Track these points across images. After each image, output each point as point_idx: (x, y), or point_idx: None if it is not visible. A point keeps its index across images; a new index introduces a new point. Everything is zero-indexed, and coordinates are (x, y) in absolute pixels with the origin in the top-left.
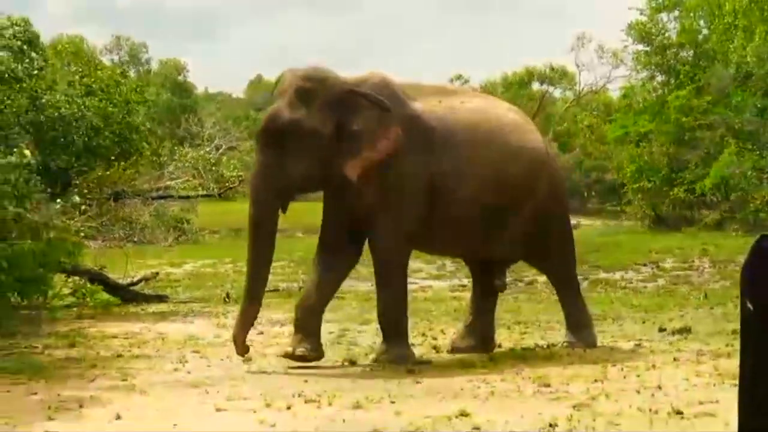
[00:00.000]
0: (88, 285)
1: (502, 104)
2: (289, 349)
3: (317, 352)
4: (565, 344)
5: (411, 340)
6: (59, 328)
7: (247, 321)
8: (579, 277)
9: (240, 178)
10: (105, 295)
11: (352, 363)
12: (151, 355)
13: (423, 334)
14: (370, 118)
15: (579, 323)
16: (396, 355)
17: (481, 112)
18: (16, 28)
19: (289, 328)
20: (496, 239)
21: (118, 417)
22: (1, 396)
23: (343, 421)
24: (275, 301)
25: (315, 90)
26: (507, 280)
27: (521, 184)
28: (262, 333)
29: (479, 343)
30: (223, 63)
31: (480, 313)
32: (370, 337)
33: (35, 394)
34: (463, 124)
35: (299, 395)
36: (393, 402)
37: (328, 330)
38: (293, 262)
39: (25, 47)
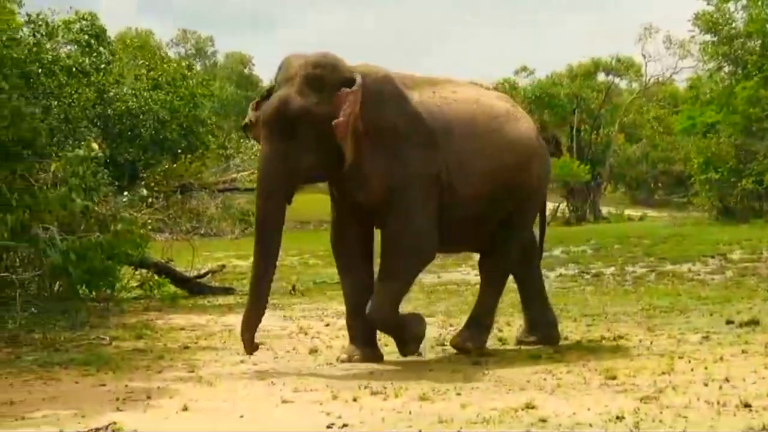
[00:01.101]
0: (156, 277)
1: (489, 92)
2: (345, 356)
3: (376, 357)
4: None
5: None
6: (127, 320)
7: (253, 319)
8: (645, 269)
9: None
10: (172, 288)
11: (418, 355)
12: (218, 347)
13: None
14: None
15: (481, 322)
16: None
17: (475, 102)
18: (84, 22)
19: None
20: (488, 229)
21: (185, 408)
22: (70, 387)
23: (410, 413)
24: (341, 293)
25: (325, 77)
26: (574, 272)
27: (514, 175)
28: (328, 325)
29: (544, 335)
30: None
31: (533, 305)
32: (435, 328)
33: (103, 385)
34: (461, 116)
35: (365, 387)
36: (459, 394)
37: None
38: None
39: (92, 41)
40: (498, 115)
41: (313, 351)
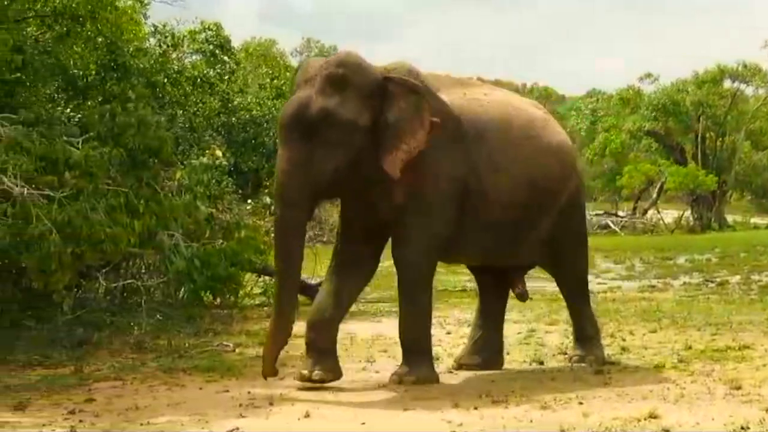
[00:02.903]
0: None
1: (522, 98)
2: (305, 372)
3: (335, 373)
4: (574, 359)
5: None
6: (250, 326)
7: (278, 338)
8: None
9: None
10: None
11: (540, 363)
12: (340, 354)
13: (612, 335)
14: (407, 108)
15: (587, 336)
16: (418, 376)
17: (509, 105)
18: (209, 32)
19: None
20: (524, 242)
21: (307, 415)
22: (194, 393)
23: (531, 421)
24: (464, 301)
25: (348, 77)
26: (698, 280)
27: (553, 183)
28: (449, 333)
29: (488, 359)
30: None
31: (488, 326)
32: (557, 337)
33: (227, 391)
34: (495, 119)
35: (486, 395)
36: (581, 403)
37: (515, 330)
38: None
39: (217, 51)
40: (534, 120)
41: (435, 358)
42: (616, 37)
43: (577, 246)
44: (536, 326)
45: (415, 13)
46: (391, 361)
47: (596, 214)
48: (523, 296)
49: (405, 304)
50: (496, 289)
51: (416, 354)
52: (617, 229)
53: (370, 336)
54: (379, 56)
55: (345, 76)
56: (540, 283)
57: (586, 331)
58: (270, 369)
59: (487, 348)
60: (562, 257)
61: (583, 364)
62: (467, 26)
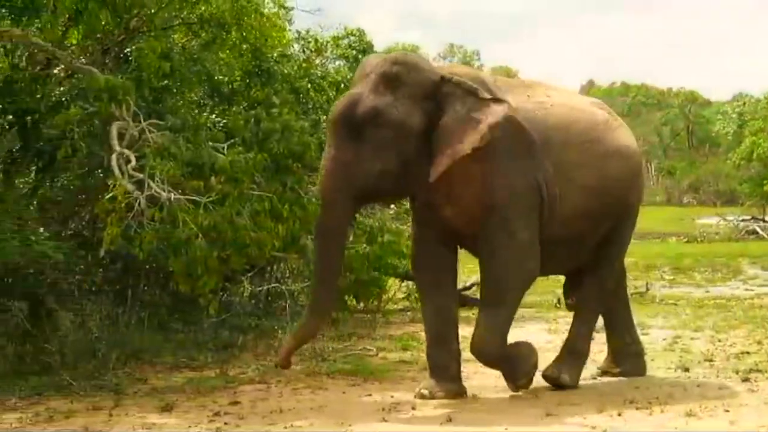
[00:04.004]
0: None
1: (584, 97)
2: (425, 392)
3: (459, 393)
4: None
5: (746, 348)
6: (393, 331)
7: (304, 334)
8: None
9: None
10: None
11: (685, 370)
12: None
13: (759, 342)
14: (461, 110)
15: (577, 352)
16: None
17: (573, 107)
18: (352, 38)
19: None
20: (585, 248)
21: (449, 419)
22: (337, 397)
23: (675, 428)
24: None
25: (403, 75)
26: None
27: (619, 188)
28: (593, 339)
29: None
30: (553, 67)
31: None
32: (703, 343)
33: (369, 395)
34: (559, 122)
35: (631, 402)
36: (727, 411)
37: (660, 337)
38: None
39: (360, 56)
40: (599, 122)
41: None
42: (764, 39)
43: (613, 257)
44: (681, 333)
45: (566, 16)
46: None
47: (743, 220)
48: (572, 307)
49: (487, 313)
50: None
51: (505, 362)
52: (765, 234)
53: (512, 341)
54: (522, 61)
55: (399, 75)
56: (685, 288)
57: (576, 350)
58: (284, 359)
59: (629, 355)
60: (597, 264)
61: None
62: (606, 29)
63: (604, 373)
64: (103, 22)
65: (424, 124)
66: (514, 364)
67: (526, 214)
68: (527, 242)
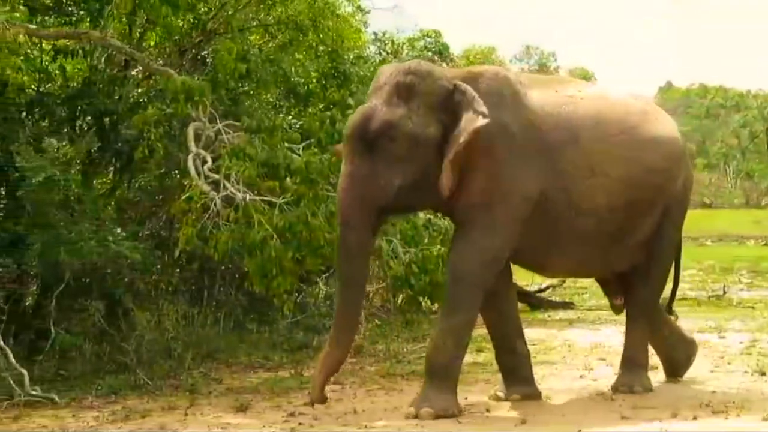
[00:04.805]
0: None
1: (621, 92)
2: (501, 394)
3: (533, 395)
4: (621, 389)
5: None
6: None
7: (331, 363)
8: None
9: None
10: None
11: (762, 374)
12: (557, 361)
13: None
14: (467, 118)
15: (638, 364)
16: (435, 408)
17: (604, 99)
18: (427, 39)
19: (698, 338)
20: (626, 247)
21: (524, 422)
22: (412, 398)
23: None
24: (684, 310)
25: (417, 85)
26: None
27: (657, 178)
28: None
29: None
30: (631, 69)
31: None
32: None
33: None
34: (589, 114)
35: (706, 405)
36: None
37: (737, 340)
38: (702, 271)
39: (436, 58)
40: (633, 112)
41: (653, 368)
42: None
43: (662, 255)
44: (759, 336)
45: (629, 18)
46: (609, 370)
47: None
48: (619, 308)
49: (445, 320)
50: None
51: (439, 381)
52: None
53: (589, 344)
54: (594, 60)
55: (413, 85)
56: (763, 291)
57: (637, 359)
58: (318, 395)
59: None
60: (645, 264)
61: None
62: (684, 31)
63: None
64: (180, 25)
65: (440, 134)
66: (444, 389)
67: (511, 223)
68: (499, 250)
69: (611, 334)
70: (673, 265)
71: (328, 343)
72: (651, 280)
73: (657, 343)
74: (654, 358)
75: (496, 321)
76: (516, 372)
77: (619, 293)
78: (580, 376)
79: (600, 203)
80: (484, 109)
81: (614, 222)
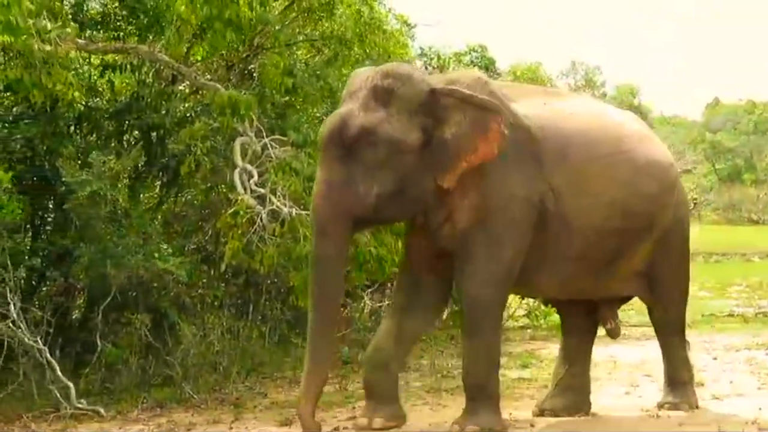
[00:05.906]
0: (542, 306)
1: (611, 107)
2: (363, 420)
3: (398, 419)
4: (666, 406)
5: None
6: (513, 348)
7: (313, 388)
8: None
9: (694, 201)
10: (557, 317)
11: None
12: (602, 377)
13: None
14: (464, 121)
15: (681, 381)
16: (481, 425)
17: (597, 117)
18: (474, 54)
19: (745, 354)
20: (616, 273)
21: None
22: (456, 414)
23: None
24: (731, 327)
25: (395, 89)
26: None
27: (650, 205)
28: (715, 358)
29: (574, 403)
30: (679, 86)
31: (575, 366)
32: None
33: None
34: (579, 132)
35: (753, 423)
36: None
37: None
38: (749, 287)
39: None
40: (626, 134)
41: (699, 384)
42: None
43: (675, 277)
44: None
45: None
46: (654, 386)
47: None
48: (614, 333)
49: (470, 343)
50: (583, 322)
51: (481, 399)
52: None
53: (634, 360)
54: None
55: (391, 88)
56: None
57: (680, 376)
58: (311, 424)
59: (574, 390)
60: (658, 290)
61: (679, 412)
62: (732, 46)
63: (541, 412)
64: (227, 40)
65: (420, 139)
66: (487, 406)
67: (518, 231)
68: (511, 263)
69: (656, 351)
70: None
71: (305, 364)
72: (669, 305)
73: (558, 372)
74: (699, 375)
75: (384, 336)
76: (385, 399)
77: (610, 318)
78: (626, 393)
79: (587, 224)
80: (491, 101)
81: (601, 245)
